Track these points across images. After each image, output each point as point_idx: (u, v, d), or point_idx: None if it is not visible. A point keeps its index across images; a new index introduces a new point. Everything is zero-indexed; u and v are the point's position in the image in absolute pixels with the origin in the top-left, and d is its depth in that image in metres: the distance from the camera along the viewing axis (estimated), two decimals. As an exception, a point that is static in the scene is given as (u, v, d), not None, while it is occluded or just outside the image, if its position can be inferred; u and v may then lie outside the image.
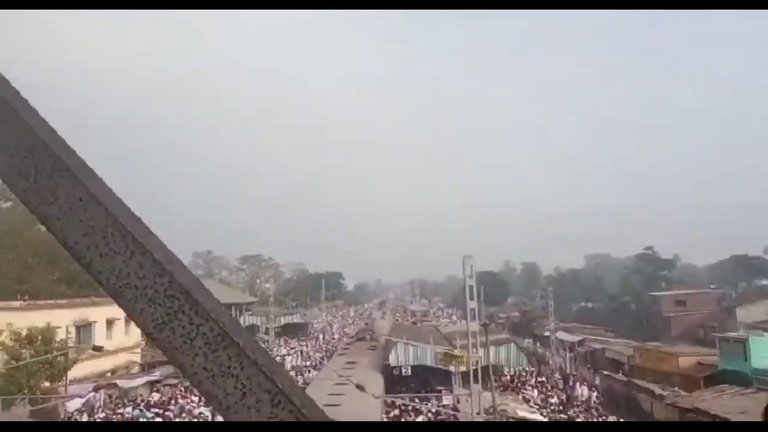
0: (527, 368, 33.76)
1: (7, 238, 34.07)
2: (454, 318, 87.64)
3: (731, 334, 35.91)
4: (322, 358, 47.37)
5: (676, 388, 31.33)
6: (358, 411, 18.33)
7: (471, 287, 15.08)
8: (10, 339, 24.00)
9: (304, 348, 50.94)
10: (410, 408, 22.46)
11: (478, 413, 14.96)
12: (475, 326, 15.30)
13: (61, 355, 24.19)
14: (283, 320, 64.80)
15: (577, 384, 30.40)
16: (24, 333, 24.83)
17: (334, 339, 60.83)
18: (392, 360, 29.39)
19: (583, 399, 27.64)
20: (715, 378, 31.51)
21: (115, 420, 23.92)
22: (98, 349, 22.54)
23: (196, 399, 29.50)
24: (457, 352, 27.72)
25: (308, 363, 44.47)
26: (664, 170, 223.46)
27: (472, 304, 15.10)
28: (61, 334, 26.29)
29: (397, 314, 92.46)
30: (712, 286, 78.78)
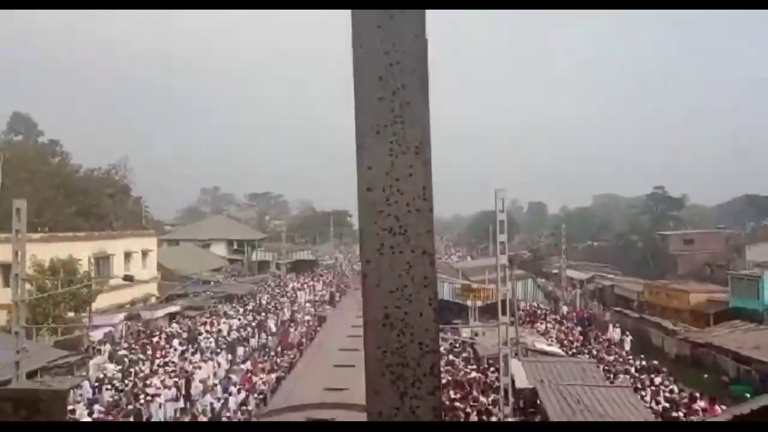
0: (542, 304, 34.25)
1: (22, 170, 34.00)
2: (460, 255, 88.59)
3: (744, 271, 36.16)
4: (335, 292, 48.12)
5: (686, 324, 31.81)
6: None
7: (502, 221, 14.96)
8: (34, 270, 24.26)
9: (317, 284, 51.59)
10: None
11: (505, 344, 15.17)
12: (504, 259, 15.29)
13: (86, 286, 24.49)
14: (295, 256, 65.39)
15: (610, 326, 29.99)
16: (47, 264, 25.10)
17: (345, 276, 61.52)
18: (410, 294, 29.73)
19: (614, 342, 27.35)
20: (725, 314, 31.90)
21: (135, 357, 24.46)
22: (129, 278, 22.81)
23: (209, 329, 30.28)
24: (474, 286, 28.14)
25: (317, 298, 45.24)
26: (673, 111, 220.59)
27: (502, 238, 15.04)
28: (84, 266, 26.60)
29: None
30: (720, 226, 78.68)
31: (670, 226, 77.67)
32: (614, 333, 27.45)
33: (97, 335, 26.12)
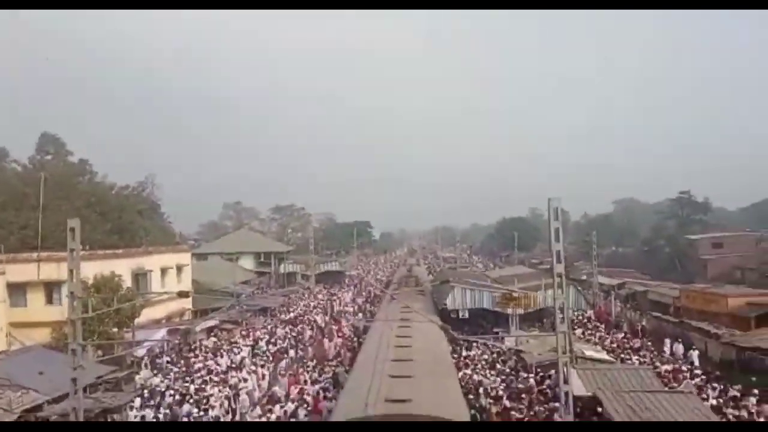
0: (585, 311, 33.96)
1: (58, 188, 34.46)
2: (482, 264, 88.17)
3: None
4: (364, 302, 48.17)
5: (728, 328, 31.24)
6: (429, 351, 18.62)
7: (557, 229, 14.87)
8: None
9: (347, 294, 51.68)
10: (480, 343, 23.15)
11: (564, 352, 15.05)
12: (560, 268, 15.19)
13: (133, 303, 24.74)
14: (322, 268, 65.65)
15: (666, 340, 28.55)
16: (90, 281, 25.36)
17: (371, 286, 61.58)
18: (449, 303, 29.75)
19: (679, 357, 25.86)
20: (767, 318, 31.34)
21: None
22: (185, 294, 23.00)
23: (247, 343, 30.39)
24: (515, 294, 27.96)
25: (351, 308, 45.30)
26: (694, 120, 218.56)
27: (557, 246, 14.93)
28: (126, 282, 26.89)
29: (428, 260, 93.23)
30: (747, 229, 77.57)
31: (696, 230, 76.59)
32: (678, 347, 26.44)
33: (139, 350, 26.38)
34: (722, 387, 19.52)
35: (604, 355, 22.08)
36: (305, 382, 23.30)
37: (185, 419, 18.28)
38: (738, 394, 18.53)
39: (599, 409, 15.76)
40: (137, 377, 23.29)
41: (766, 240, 69.07)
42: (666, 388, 17.40)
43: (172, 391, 21.17)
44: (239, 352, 27.90)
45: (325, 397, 20.51)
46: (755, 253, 62.69)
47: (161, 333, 28.47)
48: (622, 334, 30.34)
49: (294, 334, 32.97)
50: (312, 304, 46.19)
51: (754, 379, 22.22)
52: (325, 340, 32.04)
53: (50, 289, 27.24)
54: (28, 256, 27.19)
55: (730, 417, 15.48)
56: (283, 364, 26.95)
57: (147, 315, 30.91)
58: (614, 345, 26.80)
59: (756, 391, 18.75)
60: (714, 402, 17.29)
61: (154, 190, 47.86)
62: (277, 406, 19.74)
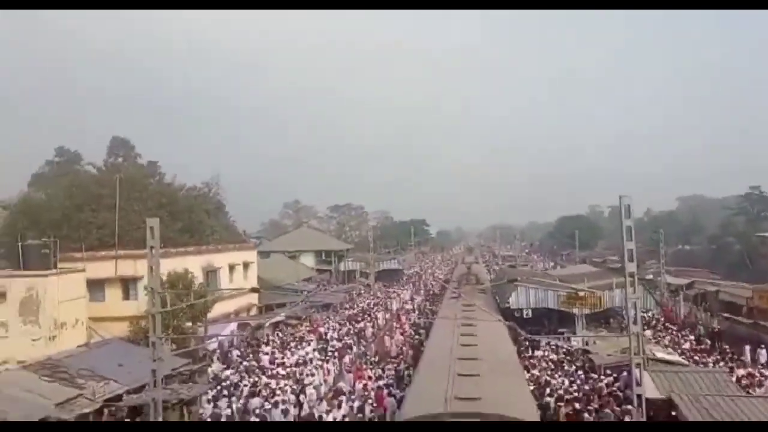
0: (654, 312, 33.10)
1: (132, 189, 35.89)
2: (542, 263, 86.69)
3: None
4: (423, 301, 48.34)
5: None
6: (495, 350, 18.59)
7: (629, 227, 14.64)
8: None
9: (406, 292, 51.99)
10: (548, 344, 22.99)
11: (636, 354, 14.81)
12: (632, 267, 14.94)
13: (206, 299, 25.68)
14: (382, 266, 66.24)
15: (747, 347, 26.74)
16: (165, 278, 26.41)
17: (429, 284, 61.69)
18: (512, 302, 29.61)
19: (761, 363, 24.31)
20: None
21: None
22: (257, 290, 23.76)
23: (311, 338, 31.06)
24: (581, 293, 27.54)
25: (410, 306, 45.60)
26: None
27: (630, 245, 14.69)
28: (198, 279, 27.92)
29: (486, 259, 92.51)
30: (817, 226, 73.52)
31: (767, 227, 73.25)
32: (761, 353, 25.18)
33: (211, 344, 27.36)
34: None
35: (676, 357, 21.52)
36: (369, 378, 23.66)
37: (257, 411, 18.88)
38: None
39: (673, 413, 15.43)
40: (209, 369, 24.18)
41: None
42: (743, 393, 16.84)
43: (244, 383, 21.87)
44: (305, 347, 28.57)
45: (389, 394, 20.76)
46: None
47: (231, 327, 29.43)
48: (694, 337, 29.37)
49: (356, 330, 33.46)
50: (372, 301, 46.70)
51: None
52: (386, 337, 32.41)
53: (126, 285, 28.48)
54: (106, 254, 28.48)
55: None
56: (347, 359, 27.43)
57: (217, 310, 32.07)
58: (686, 347, 26.01)
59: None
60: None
61: (219, 190, 49.44)
62: (343, 401, 20.15)
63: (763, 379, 20.74)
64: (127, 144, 57.86)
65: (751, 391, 18.66)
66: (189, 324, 26.60)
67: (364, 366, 25.87)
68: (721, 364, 22.54)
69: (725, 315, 36.52)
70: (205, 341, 25.87)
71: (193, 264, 29.80)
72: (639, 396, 15.41)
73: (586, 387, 19.24)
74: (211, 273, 32.84)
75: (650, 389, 16.49)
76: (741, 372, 21.20)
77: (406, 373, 23.83)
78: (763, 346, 26.29)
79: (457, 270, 54.64)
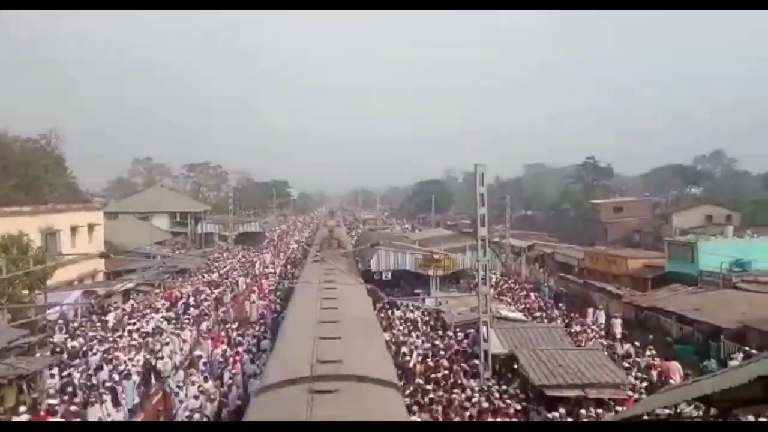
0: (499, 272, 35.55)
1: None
2: (399, 226, 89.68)
3: (680, 238, 38.62)
4: (285, 264, 48.12)
5: (628, 288, 33.82)
6: (356, 313, 19.05)
7: (482, 194, 15.58)
8: (-15, 247, 23.11)
9: (267, 255, 51.35)
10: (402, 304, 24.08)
11: (484, 312, 15.92)
12: (484, 231, 15.95)
13: (44, 265, 23.56)
14: (241, 228, 64.68)
15: (590, 310, 28.55)
16: (-3, 241, 23.92)
17: (290, 247, 61.43)
18: (373, 265, 30.36)
19: (600, 326, 25.80)
20: (662, 279, 34.15)
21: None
22: (106, 256, 22.03)
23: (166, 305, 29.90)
24: (437, 256, 28.89)
25: (271, 270, 45.15)
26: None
27: (482, 210, 15.67)
28: (35, 242, 25.50)
29: (348, 222, 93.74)
30: (645, 195, 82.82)
31: (599, 194, 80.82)
32: (599, 315, 27.61)
33: (51, 314, 25.29)
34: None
35: (518, 315, 23.43)
36: (228, 344, 23.30)
37: (106, 384, 17.87)
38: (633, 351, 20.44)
39: (515, 366, 16.86)
40: (51, 341, 22.43)
41: (662, 206, 74.19)
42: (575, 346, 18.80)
43: (91, 354, 20.58)
44: (159, 315, 27.34)
45: (251, 361, 20.64)
46: (652, 217, 67.38)
47: (75, 296, 27.36)
48: (535, 296, 32.13)
49: (215, 296, 32.61)
50: (232, 265, 45.62)
51: (651, 337, 24.44)
52: (246, 302, 31.96)
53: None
54: None
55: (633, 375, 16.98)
56: (204, 326, 26.74)
57: (58, 277, 29.59)
58: (528, 305, 28.41)
59: (651, 347, 20.75)
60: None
61: (59, 143, 45.08)
62: (201, 368, 19.73)
63: (593, 334, 23.32)
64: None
65: (581, 345, 20.94)
66: (26, 292, 24.39)
67: (224, 333, 25.38)
68: (559, 321, 24.94)
69: (560, 274, 40.31)
70: (46, 311, 23.84)
71: (29, 225, 27.12)
72: (485, 351, 16.68)
73: (438, 344, 20.36)
74: (50, 236, 30.12)
75: (495, 345, 17.88)
76: (577, 328, 23.65)
77: (265, 337, 23.72)
78: (601, 308, 29.35)
79: (319, 233, 54.87)
